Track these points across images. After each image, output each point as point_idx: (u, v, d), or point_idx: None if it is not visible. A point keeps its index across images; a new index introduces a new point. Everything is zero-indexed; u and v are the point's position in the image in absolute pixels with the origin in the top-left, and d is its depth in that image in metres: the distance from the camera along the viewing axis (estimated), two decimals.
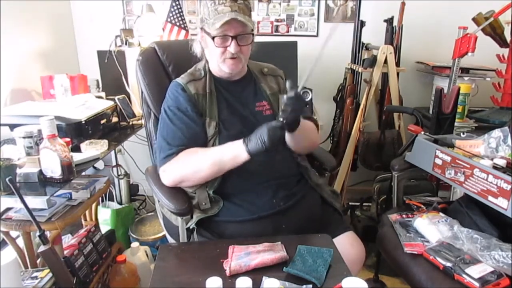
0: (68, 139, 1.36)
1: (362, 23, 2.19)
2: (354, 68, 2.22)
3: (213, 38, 1.20)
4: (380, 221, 1.48)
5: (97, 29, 2.43)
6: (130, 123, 1.90)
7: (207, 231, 1.24)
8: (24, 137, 1.32)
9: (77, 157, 1.39)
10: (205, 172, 1.19)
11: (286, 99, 1.05)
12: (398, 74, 2.15)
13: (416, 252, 1.21)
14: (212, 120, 1.25)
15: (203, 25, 1.23)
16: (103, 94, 2.03)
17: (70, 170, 1.26)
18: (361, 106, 2.13)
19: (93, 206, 1.63)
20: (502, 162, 1.20)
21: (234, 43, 1.20)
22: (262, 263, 1.01)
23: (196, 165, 1.19)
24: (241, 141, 1.13)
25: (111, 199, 2.27)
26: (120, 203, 2.31)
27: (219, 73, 1.31)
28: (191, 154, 1.21)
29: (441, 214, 1.36)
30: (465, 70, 2.10)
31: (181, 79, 1.30)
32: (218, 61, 1.25)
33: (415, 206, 1.47)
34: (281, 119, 1.08)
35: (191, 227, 1.22)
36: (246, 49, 1.25)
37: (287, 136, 1.16)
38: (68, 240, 1.51)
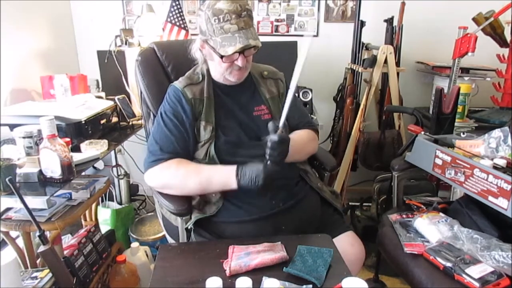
0: (68, 139, 1.36)
1: (362, 23, 2.19)
2: (354, 68, 2.22)
3: (221, 57, 1.18)
4: (380, 221, 1.48)
5: (97, 29, 2.43)
6: (130, 123, 1.90)
7: (206, 232, 1.24)
8: (24, 137, 1.32)
9: (77, 157, 1.39)
10: (189, 189, 1.19)
11: (270, 143, 1.06)
12: (398, 74, 2.15)
13: (416, 252, 1.21)
14: (209, 124, 1.25)
15: (207, 40, 1.20)
16: (103, 94, 2.03)
17: (70, 170, 1.26)
18: (361, 106, 2.13)
19: (93, 206, 1.63)
20: (502, 162, 1.20)
21: (242, 57, 1.19)
22: (262, 263, 1.01)
23: (183, 179, 1.19)
24: (234, 172, 1.12)
25: (111, 199, 2.27)
26: (120, 203, 2.31)
27: (221, 79, 1.30)
28: (182, 166, 1.19)
29: (441, 214, 1.36)
30: (465, 70, 2.10)
31: (178, 83, 1.30)
32: (223, 73, 1.25)
33: (415, 206, 1.47)
34: (268, 162, 1.08)
35: (188, 227, 1.22)
36: (251, 58, 1.26)
37: None
38: (68, 240, 1.51)
